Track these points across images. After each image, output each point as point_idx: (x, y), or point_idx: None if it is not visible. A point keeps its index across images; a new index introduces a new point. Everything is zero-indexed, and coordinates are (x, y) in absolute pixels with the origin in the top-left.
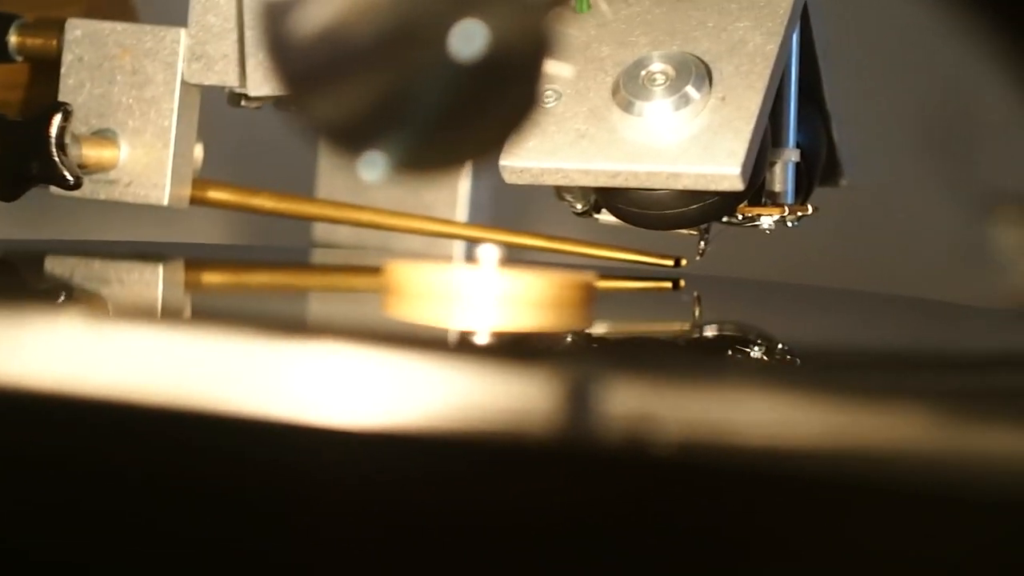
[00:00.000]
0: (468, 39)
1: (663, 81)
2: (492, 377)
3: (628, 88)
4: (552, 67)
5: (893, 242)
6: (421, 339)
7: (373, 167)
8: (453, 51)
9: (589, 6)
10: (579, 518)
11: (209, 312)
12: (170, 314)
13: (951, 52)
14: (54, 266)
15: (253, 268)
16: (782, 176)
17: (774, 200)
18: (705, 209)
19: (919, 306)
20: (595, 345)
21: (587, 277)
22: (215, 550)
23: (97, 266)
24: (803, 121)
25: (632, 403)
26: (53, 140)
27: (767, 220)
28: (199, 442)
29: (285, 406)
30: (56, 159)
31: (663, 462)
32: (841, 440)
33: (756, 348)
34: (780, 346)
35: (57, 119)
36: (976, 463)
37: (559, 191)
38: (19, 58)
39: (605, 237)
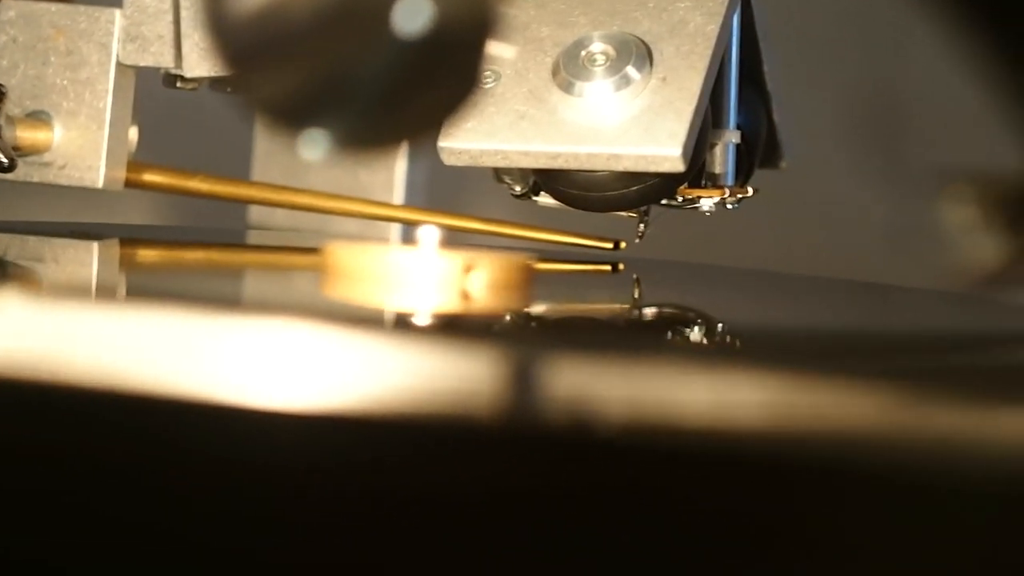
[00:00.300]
0: (410, 17)
1: (603, 62)
2: (432, 358)
3: (568, 69)
4: (492, 48)
5: (829, 224)
6: (361, 320)
7: (313, 145)
8: (394, 29)
9: None
10: (524, 500)
11: (145, 291)
12: (105, 293)
13: (884, 31)
14: None
15: (189, 248)
16: (722, 158)
17: (714, 182)
18: (645, 191)
19: (856, 288)
20: (534, 326)
21: (526, 259)
22: (146, 532)
23: (32, 244)
24: (744, 102)
25: (574, 385)
26: None
27: (707, 202)
28: (133, 422)
29: (223, 387)
30: None
31: (606, 443)
32: (785, 422)
33: (697, 330)
34: (720, 328)
35: None
36: (919, 445)
37: (497, 173)
38: None
39: (544, 219)
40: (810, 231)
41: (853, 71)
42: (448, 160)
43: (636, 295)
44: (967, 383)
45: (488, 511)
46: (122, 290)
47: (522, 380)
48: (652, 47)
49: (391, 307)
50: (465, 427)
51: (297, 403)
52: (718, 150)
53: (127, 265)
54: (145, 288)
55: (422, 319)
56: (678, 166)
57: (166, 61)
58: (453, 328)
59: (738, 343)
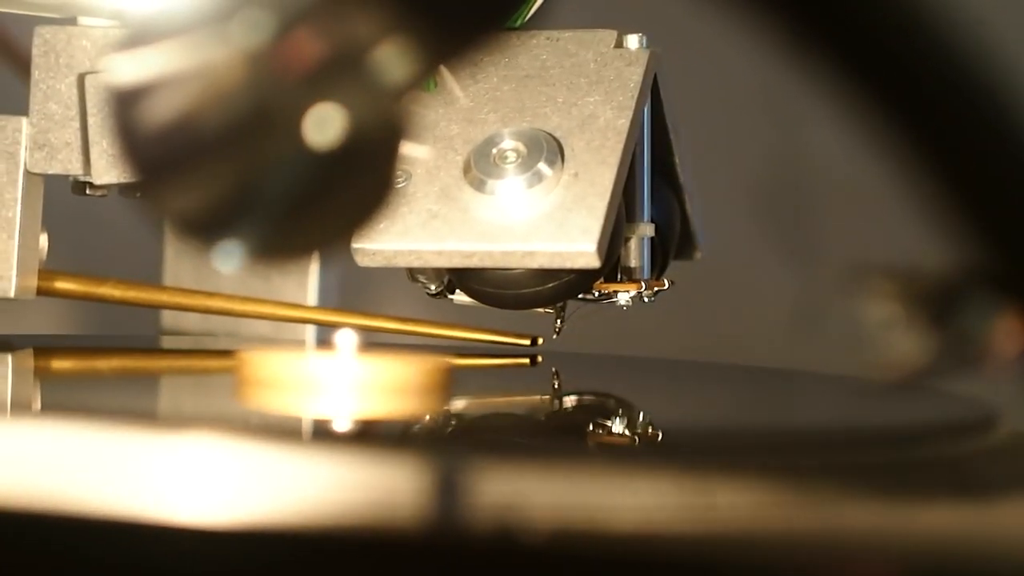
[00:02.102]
0: (320, 125)
1: (515, 159)
2: (352, 466)
3: (479, 166)
4: (403, 147)
5: (739, 312)
6: (278, 429)
7: (225, 257)
8: (305, 137)
9: (436, 84)
10: None
11: (60, 405)
12: (19, 407)
13: (791, 121)
14: None
15: (102, 356)
16: (637, 251)
17: (630, 276)
18: (560, 287)
19: (768, 375)
20: (454, 428)
21: (443, 359)
22: None
23: None
24: (656, 195)
25: (497, 489)
26: None
27: (624, 296)
28: (47, 538)
29: (140, 501)
30: None
31: (531, 550)
32: (716, 522)
33: (618, 425)
34: (640, 422)
35: None
36: (838, 542)
37: (411, 272)
38: None
39: (461, 317)
40: (719, 318)
41: (764, 158)
42: (362, 262)
43: (556, 389)
44: (882, 478)
45: None
46: (37, 404)
47: (444, 488)
48: (563, 143)
49: (309, 414)
50: (387, 537)
51: (215, 518)
52: (632, 244)
53: (41, 377)
54: (60, 402)
55: (341, 425)
56: (593, 262)
57: (75, 168)
58: (373, 434)
59: (655, 437)
